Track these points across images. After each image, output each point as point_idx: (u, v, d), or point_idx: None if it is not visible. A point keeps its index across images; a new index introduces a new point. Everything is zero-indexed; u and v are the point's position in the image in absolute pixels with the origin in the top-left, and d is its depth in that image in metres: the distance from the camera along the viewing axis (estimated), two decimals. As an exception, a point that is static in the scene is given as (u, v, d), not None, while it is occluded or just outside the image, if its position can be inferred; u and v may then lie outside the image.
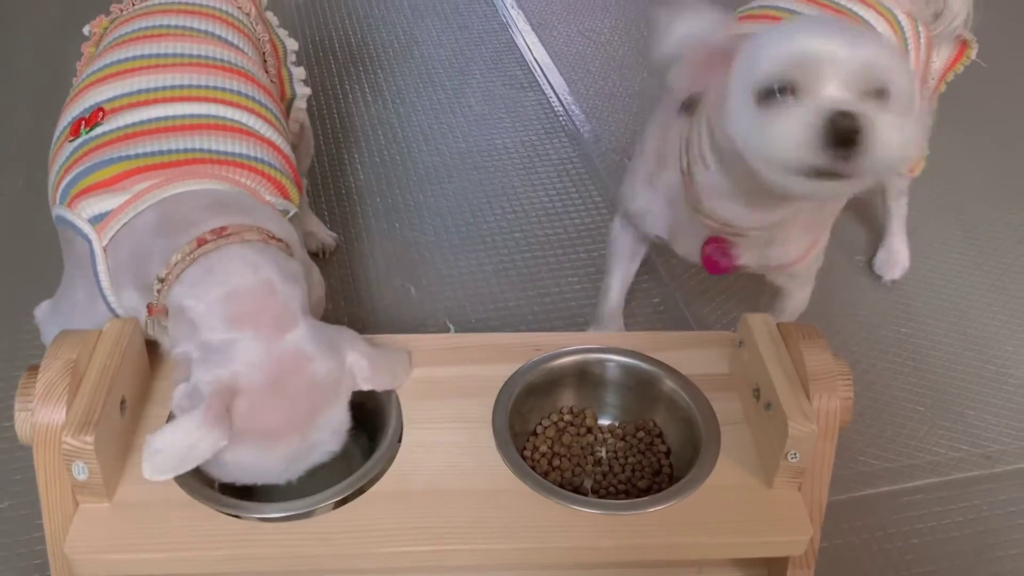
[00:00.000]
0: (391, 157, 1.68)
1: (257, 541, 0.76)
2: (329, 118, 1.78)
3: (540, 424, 0.93)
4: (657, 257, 1.45)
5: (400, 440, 0.84)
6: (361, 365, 0.81)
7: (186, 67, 0.96)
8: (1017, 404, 1.26)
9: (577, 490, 0.88)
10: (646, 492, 0.87)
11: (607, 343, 0.95)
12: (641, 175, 1.06)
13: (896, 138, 0.77)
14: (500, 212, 1.56)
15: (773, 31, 0.84)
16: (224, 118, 0.93)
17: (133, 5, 1.07)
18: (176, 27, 1.01)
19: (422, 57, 1.99)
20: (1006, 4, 2.13)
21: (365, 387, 0.82)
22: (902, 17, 1.11)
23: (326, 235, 1.44)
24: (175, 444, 0.72)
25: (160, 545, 0.75)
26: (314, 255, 1.41)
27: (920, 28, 1.13)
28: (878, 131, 0.76)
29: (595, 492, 0.89)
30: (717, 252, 1.00)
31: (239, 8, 1.09)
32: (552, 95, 1.88)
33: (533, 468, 0.85)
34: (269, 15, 1.18)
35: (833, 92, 0.78)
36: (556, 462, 0.90)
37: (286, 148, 0.98)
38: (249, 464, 0.78)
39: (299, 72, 1.18)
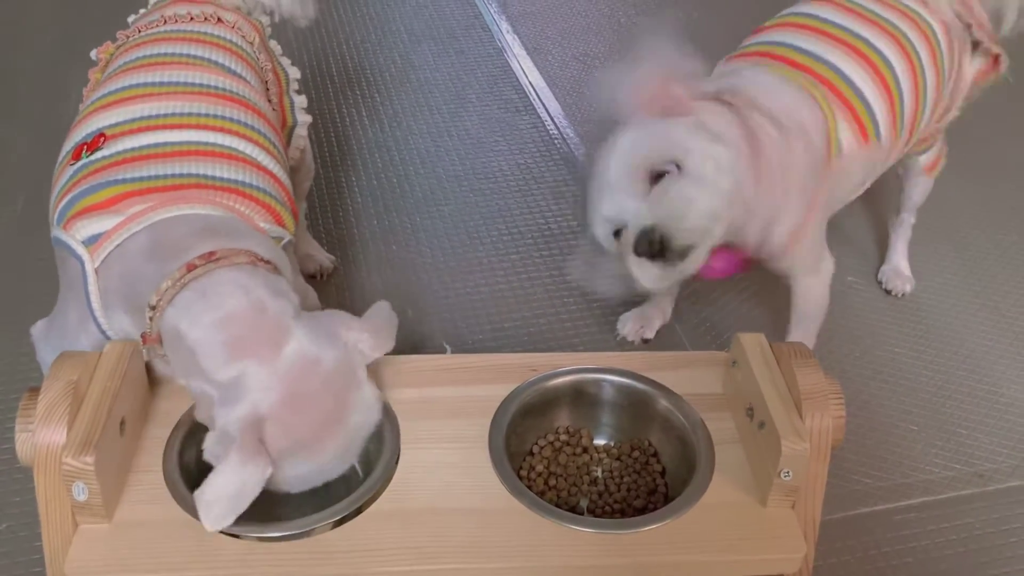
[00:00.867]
0: (388, 180, 1.70)
1: (256, 561, 0.76)
2: (327, 142, 1.79)
3: (536, 444, 0.94)
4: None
5: (397, 461, 0.85)
6: (363, 339, 0.83)
7: (188, 95, 0.97)
8: (1009, 423, 1.27)
9: (573, 509, 0.89)
10: (641, 511, 0.88)
11: (602, 364, 0.96)
12: None
13: (693, 209, 0.93)
14: (496, 234, 1.58)
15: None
16: (221, 145, 0.94)
17: (139, 32, 1.09)
18: (180, 55, 1.02)
19: (419, 81, 2.01)
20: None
21: (375, 355, 0.84)
22: (939, 31, 1.13)
23: (324, 257, 1.45)
24: (226, 490, 0.73)
25: (159, 566, 0.75)
26: (312, 277, 1.42)
27: (956, 41, 1.15)
28: (676, 230, 0.93)
29: (591, 511, 0.90)
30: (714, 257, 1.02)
31: (243, 37, 1.11)
32: (547, 119, 1.90)
33: (529, 488, 0.86)
34: (273, 44, 1.19)
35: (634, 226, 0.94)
36: (552, 482, 0.91)
37: (283, 176, 1.00)
38: (306, 472, 0.80)
39: (301, 100, 1.19)
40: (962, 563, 1.09)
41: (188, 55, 1.03)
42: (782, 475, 0.80)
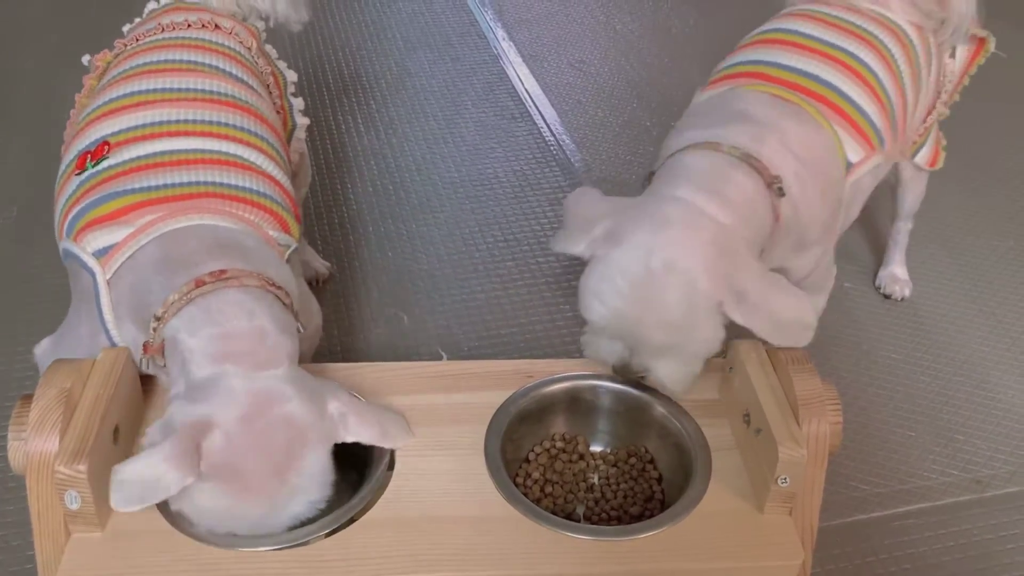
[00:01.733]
0: (384, 187, 1.69)
1: (250, 571, 0.76)
2: (323, 149, 1.79)
3: (532, 451, 0.94)
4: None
5: (392, 468, 0.84)
6: (343, 414, 0.80)
7: (190, 102, 0.97)
8: (1006, 429, 1.27)
9: (569, 516, 0.88)
10: (638, 518, 0.88)
11: (598, 370, 0.95)
12: None
13: (671, 381, 0.89)
14: (492, 241, 1.57)
15: (599, 272, 0.89)
16: (227, 153, 0.94)
17: (137, 40, 1.08)
18: (181, 62, 1.02)
19: (415, 88, 2.01)
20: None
21: (349, 438, 0.80)
22: (912, 33, 1.13)
23: (320, 264, 1.45)
24: (141, 475, 0.72)
25: (153, 575, 0.75)
26: (307, 284, 1.42)
27: (931, 38, 1.15)
28: (656, 375, 0.89)
29: (587, 518, 0.89)
30: None
31: (241, 43, 1.11)
32: (543, 125, 1.90)
33: (525, 495, 0.86)
34: (268, 47, 1.19)
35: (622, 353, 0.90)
36: (548, 489, 0.90)
37: (286, 183, 0.99)
38: (225, 508, 0.76)
39: (298, 103, 1.20)
40: (960, 569, 1.09)
41: (189, 61, 1.02)
42: (779, 481, 0.80)
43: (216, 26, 1.10)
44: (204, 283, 0.80)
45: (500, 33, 2.24)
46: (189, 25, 1.09)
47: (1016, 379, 1.35)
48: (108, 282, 0.85)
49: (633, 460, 0.93)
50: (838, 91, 1.04)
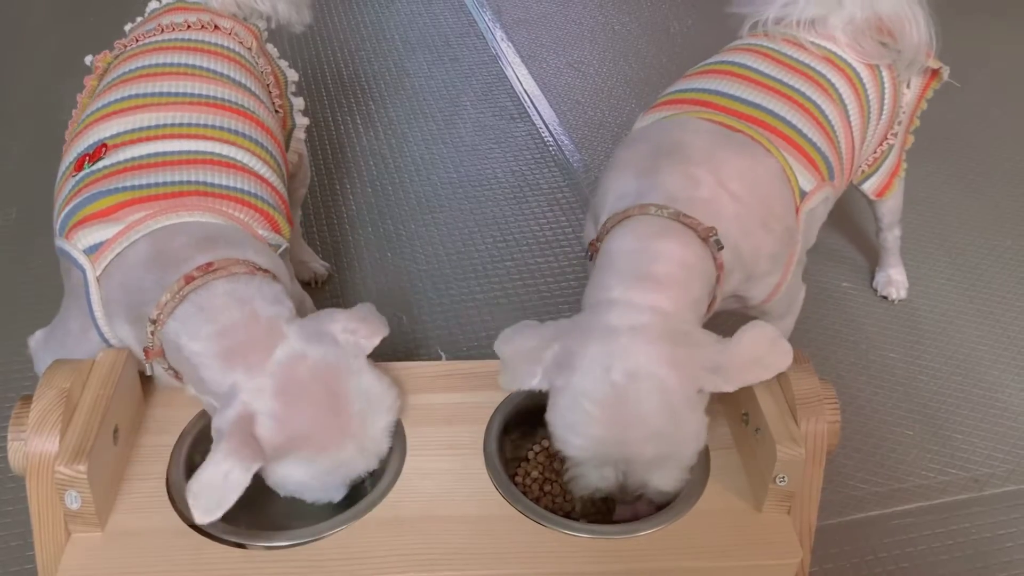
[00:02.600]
0: (383, 187, 1.70)
1: (251, 569, 0.76)
2: (322, 149, 1.79)
3: (531, 450, 0.94)
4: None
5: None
6: (353, 329, 0.83)
7: (186, 105, 0.98)
8: (1004, 428, 1.27)
9: (568, 515, 0.88)
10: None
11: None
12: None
13: (673, 488, 0.84)
14: (491, 241, 1.58)
15: (566, 408, 0.81)
16: (220, 154, 0.95)
17: (136, 41, 1.09)
18: (178, 65, 1.03)
19: (414, 89, 2.01)
20: (983, 36, 2.17)
21: (373, 342, 0.84)
22: (862, 70, 1.13)
23: (318, 264, 1.45)
24: (210, 480, 0.74)
25: (153, 575, 0.75)
26: (306, 284, 1.42)
27: (884, 72, 1.16)
28: (656, 487, 0.83)
29: (586, 517, 0.89)
30: None
31: (241, 43, 1.11)
32: (542, 125, 1.90)
33: (524, 494, 0.86)
34: (269, 47, 1.20)
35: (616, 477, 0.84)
36: (547, 487, 0.91)
37: (280, 185, 1.00)
38: (319, 470, 0.79)
39: (298, 103, 1.20)
40: (958, 567, 1.09)
41: (187, 65, 1.03)
42: (777, 480, 0.80)
43: (216, 27, 1.10)
44: (193, 278, 0.82)
45: (499, 34, 2.24)
46: (189, 26, 1.09)
47: (1014, 378, 1.35)
48: (98, 279, 0.86)
49: (632, 459, 0.93)
50: (787, 122, 1.03)
